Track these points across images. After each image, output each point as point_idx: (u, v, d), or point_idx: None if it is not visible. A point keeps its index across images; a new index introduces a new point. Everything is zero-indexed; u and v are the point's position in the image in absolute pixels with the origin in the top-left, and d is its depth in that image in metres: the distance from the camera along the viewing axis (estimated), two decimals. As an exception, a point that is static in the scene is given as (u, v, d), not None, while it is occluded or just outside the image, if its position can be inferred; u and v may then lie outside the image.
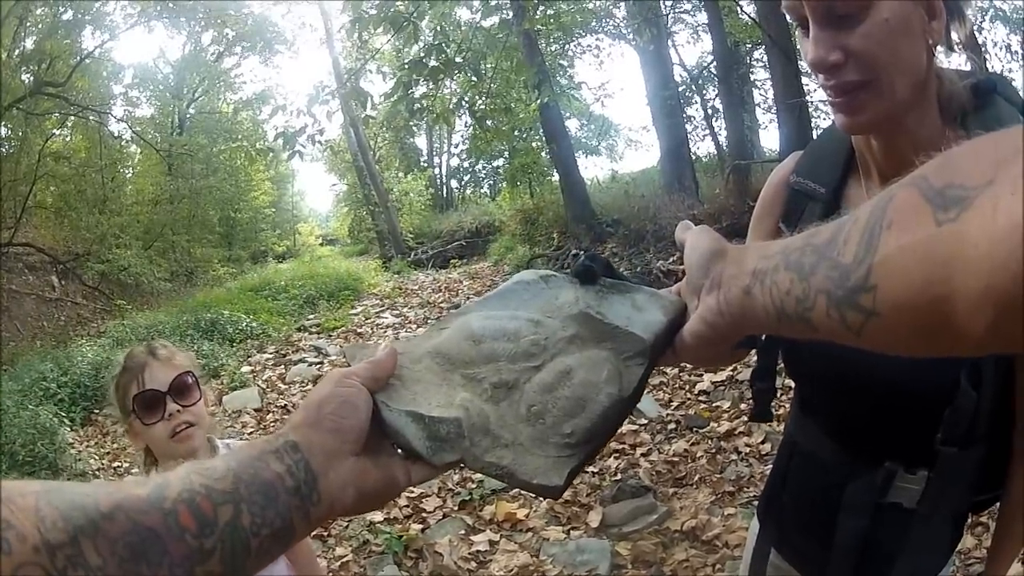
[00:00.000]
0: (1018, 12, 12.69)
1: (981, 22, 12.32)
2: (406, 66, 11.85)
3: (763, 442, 5.53)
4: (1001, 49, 13.50)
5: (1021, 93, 1.36)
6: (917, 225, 0.58)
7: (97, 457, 7.55)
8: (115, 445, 7.92)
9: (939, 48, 1.31)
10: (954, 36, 1.33)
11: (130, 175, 26.49)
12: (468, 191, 38.46)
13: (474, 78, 15.92)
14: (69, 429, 7.93)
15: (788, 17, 1.32)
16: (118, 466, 7.33)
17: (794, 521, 1.70)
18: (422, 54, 11.70)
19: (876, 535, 1.46)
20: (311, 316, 14.55)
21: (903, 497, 1.44)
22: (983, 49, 10.56)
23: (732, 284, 0.85)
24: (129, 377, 2.15)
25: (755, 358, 1.55)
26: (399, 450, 0.96)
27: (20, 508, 0.64)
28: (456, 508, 5.36)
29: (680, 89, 19.64)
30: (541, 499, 5.15)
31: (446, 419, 0.95)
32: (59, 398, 8.69)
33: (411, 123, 22.80)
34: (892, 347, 0.64)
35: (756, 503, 4.46)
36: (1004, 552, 1.38)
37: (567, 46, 24.12)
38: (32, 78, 18.56)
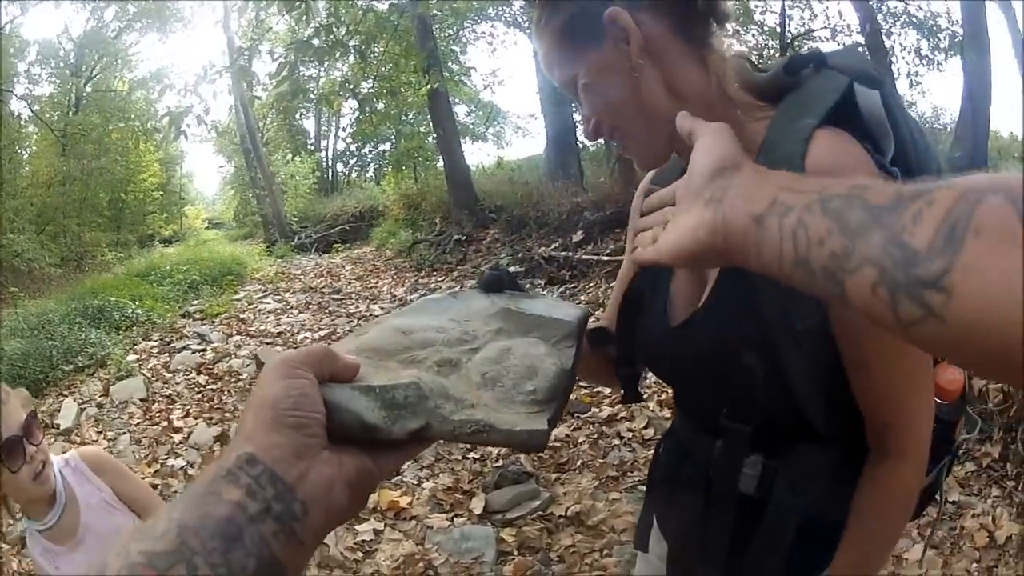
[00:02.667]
0: (930, 17, 13.22)
1: (891, 27, 12.79)
2: (291, 46, 11.67)
3: (646, 427, 5.60)
4: (909, 52, 14.05)
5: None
6: (1012, 250, 0.53)
7: None
8: None
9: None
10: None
11: (26, 156, 25.68)
12: (354, 175, 38.14)
13: (358, 60, 15.74)
14: None
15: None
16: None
17: (661, 492, 1.74)
18: (311, 34, 11.53)
19: (710, 512, 1.47)
20: (195, 302, 14.30)
21: (742, 481, 1.42)
22: (890, 52, 10.91)
23: (739, 206, 0.81)
24: None
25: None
26: (353, 436, 0.81)
27: None
28: None
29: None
30: (424, 487, 5.17)
31: (401, 384, 0.85)
32: None
33: (295, 104, 22.49)
34: (943, 354, 0.62)
35: (640, 487, 4.50)
36: (840, 557, 1.35)
37: (461, 32, 24.09)
38: None
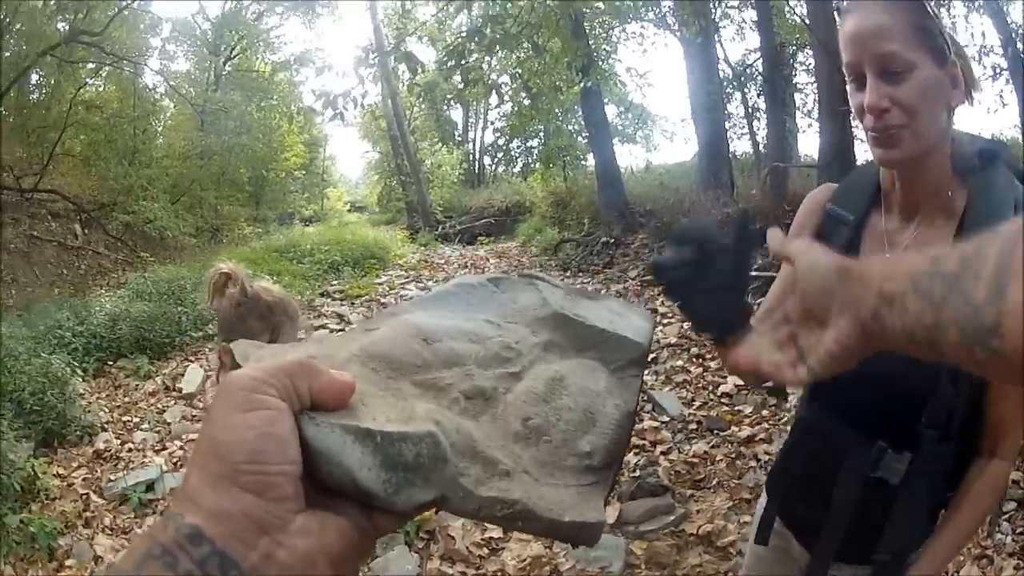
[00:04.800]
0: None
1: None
2: (462, 34, 11.76)
3: (784, 450, 5.49)
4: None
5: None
6: None
7: (107, 410, 7.56)
8: (126, 399, 7.97)
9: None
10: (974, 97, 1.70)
11: (161, 128, 26.29)
12: (500, 169, 38.27)
13: (531, 53, 15.75)
14: (81, 380, 7.87)
15: (845, 72, 1.68)
16: (127, 420, 7.35)
17: (797, 492, 1.96)
18: (480, 23, 11.60)
19: (865, 506, 1.72)
20: (335, 282, 14.52)
21: (889, 474, 1.68)
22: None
23: (862, 305, 0.82)
24: (265, 325, 2.42)
25: None
26: (334, 488, 0.60)
27: None
28: None
29: (721, 85, 19.50)
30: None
31: (412, 435, 0.63)
32: (73, 347, 8.63)
33: (461, 94, 22.75)
34: (1012, 381, 0.67)
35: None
36: (942, 539, 1.70)
37: (612, 31, 23.94)
38: (68, 26, 18.47)
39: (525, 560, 4.39)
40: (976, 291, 0.65)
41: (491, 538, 4.67)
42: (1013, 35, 11.40)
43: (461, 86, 12.60)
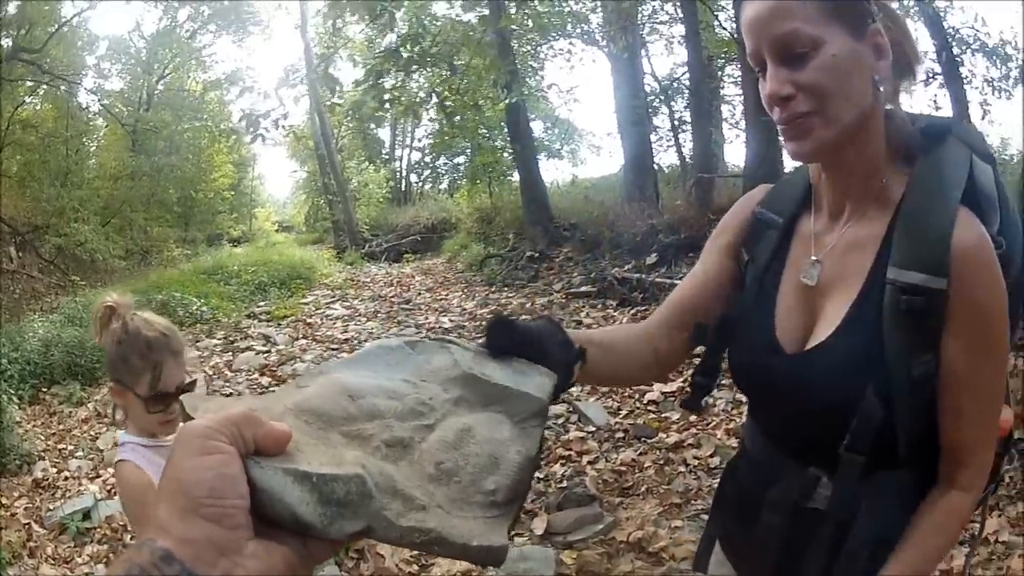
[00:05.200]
0: (1001, 45, 12.94)
1: (961, 54, 12.55)
2: (380, 55, 11.78)
3: (712, 455, 5.51)
4: (981, 81, 13.78)
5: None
6: None
7: (43, 438, 7.40)
8: (60, 426, 7.80)
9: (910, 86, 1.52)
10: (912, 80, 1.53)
11: (94, 148, 26.24)
12: (427, 186, 38.36)
13: (447, 72, 15.83)
14: (17, 407, 7.72)
15: (752, 64, 1.48)
16: (63, 447, 7.20)
17: (733, 514, 1.80)
18: (397, 43, 11.64)
19: (794, 535, 1.53)
20: (262, 303, 14.54)
21: (821, 503, 1.51)
22: (965, 81, 10.87)
23: None
24: (144, 365, 2.32)
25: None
26: (277, 521, 0.69)
27: None
28: None
29: (648, 99, 19.73)
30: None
31: (342, 476, 0.72)
32: (9, 375, 8.42)
33: (378, 113, 22.81)
34: None
35: (704, 516, 4.43)
36: (891, 567, 1.45)
37: (539, 48, 24.11)
38: (11, 43, 18.19)
39: (454, 575, 4.36)
40: None
41: (419, 556, 4.61)
42: (948, 40, 11.64)
43: (378, 105, 12.62)
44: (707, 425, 5.99)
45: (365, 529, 0.73)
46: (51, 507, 5.81)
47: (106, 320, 2.41)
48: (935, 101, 11.83)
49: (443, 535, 0.76)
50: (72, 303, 11.88)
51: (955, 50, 11.79)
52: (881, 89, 1.43)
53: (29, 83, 19.96)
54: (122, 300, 2.47)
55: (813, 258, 1.57)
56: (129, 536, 5.27)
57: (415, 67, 11.58)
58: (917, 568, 1.44)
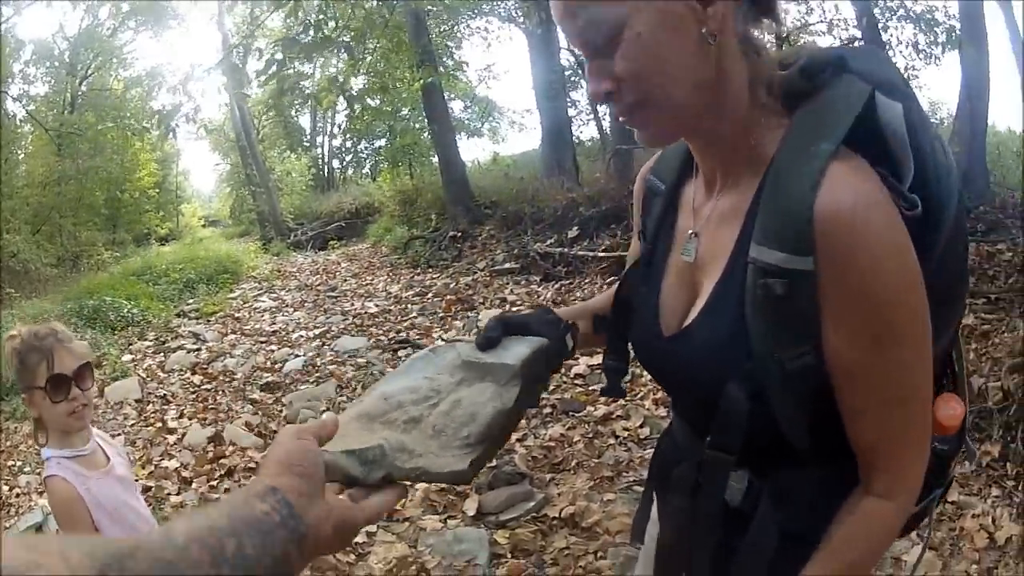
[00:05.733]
0: (928, 11, 13.16)
1: (888, 20, 12.74)
2: (279, 43, 11.64)
3: (641, 426, 5.53)
4: (907, 47, 14.00)
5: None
6: None
7: None
8: (8, 443, 7.64)
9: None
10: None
11: (21, 156, 25.72)
12: (350, 171, 38.18)
13: (346, 57, 15.67)
14: None
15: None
16: (12, 464, 7.06)
17: (658, 488, 1.71)
18: (298, 31, 11.50)
19: (695, 519, 1.41)
20: (191, 301, 14.43)
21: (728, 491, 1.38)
22: (888, 46, 10.85)
23: None
24: (38, 357, 2.41)
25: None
26: (342, 484, 1.18)
27: (44, 553, 0.67)
28: None
29: (567, 73, 19.76)
30: (416, 488, 5.05)
31: (371, 447, 1.19)
32: None
33: (286, 102, 22.42)
34: None
35: (636, 488, 4.44)
36: (813, 563, 1.28)
37: (455, 27, 24.00)
38: None
39: (391, 562, 4.31)
40: None
41: (356, 544, 4.57)
42: (870, 4, 11.69)
43: (281, 94, 12.54)
44: (635, 396, 6.01)
45: (387, 474, 1.18)
46: (6, 525, 5.75)
47: (8, 350, 2.48)
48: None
49: (428, 469, 1.20)
50: (8, 315, 11.76)
51: (878, 16, 11.87)
52: (715, 40, 1.16)
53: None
54: (18, 327, 2.53)
55: (691, 231, 1.41)
56: None
57: (315, 54, 11.39)
58: (837, 573, 1.26)
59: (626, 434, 5.44)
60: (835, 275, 1.11)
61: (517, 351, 1.38)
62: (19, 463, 6.98)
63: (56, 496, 2.41)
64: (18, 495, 6.32)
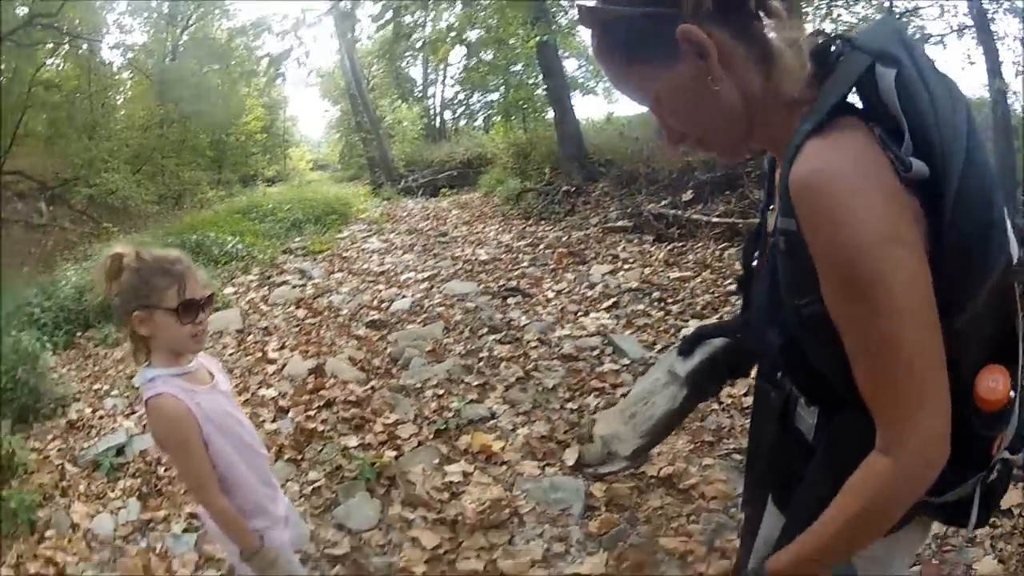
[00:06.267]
0: None
1: (993, 13, 12.24)
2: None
3: (745, 394, 5.43)
4: (1015, 40, 13.45)
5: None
6: None
7: (78, 380, 7.51)
8: (96, 367, 7.93)
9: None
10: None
11: (120, 101, 26.41)
12: (461, 123, 38.26)
13: (462, 7, 15.68)
14: (52, 353, 7.89)
15: None
16: (98, 388, 7.29)
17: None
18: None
19: (779, 447, 1.65)
20: (297, 239, 14.60)
21: (801, 424, 1.57)
22: (995, 37, 10.50)
23: None
24: (168, 281, 2.44)
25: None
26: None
27: None
28: (431, 436, 5.28)
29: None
30: (518, 433, 5.19)
31: (605, 436, 3.15)
32: (42, 323, 8.74)
33: (399, 50, 22.56)
34: None
35: (735, 456, 4.39)
36: (802, 536, 1.41)
37: (571, -13, 23.75)
38: (28, 9, 18.27)
39: (485, 503, 4.33)
40: None
41: (451, 483, 4.63)
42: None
43: (396, 40, 12.64)
44: (742, 365, 5.91)
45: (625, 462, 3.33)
46: (85, 446, 5.90)
47: (115, 268, 2.50)
48: (968, 55, 11.55)
49: (616, 451, 3.36)
50: (107, 249, 11.96)
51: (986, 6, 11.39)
52: (719, 87, 1.35)
53: (49, 45, 20.14)
54: (125, 247, 2.55)
55: (772, 206, 1.64)
56: (163, 469, 5.35)
57: (431, 3, 11.40)
58: (821, 534, 1.37)
59: (730, 401, 5.35)
60: (808, 234, 1.25)
61: (692, 361, 1.84)
62: (106, 387, 7.23)
63: (166, 412, 2.45)
64: (101, 417, 6.50)
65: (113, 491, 5.23)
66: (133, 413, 6.50)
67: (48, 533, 4.73)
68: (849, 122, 1.26)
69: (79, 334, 9.00)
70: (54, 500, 5.11)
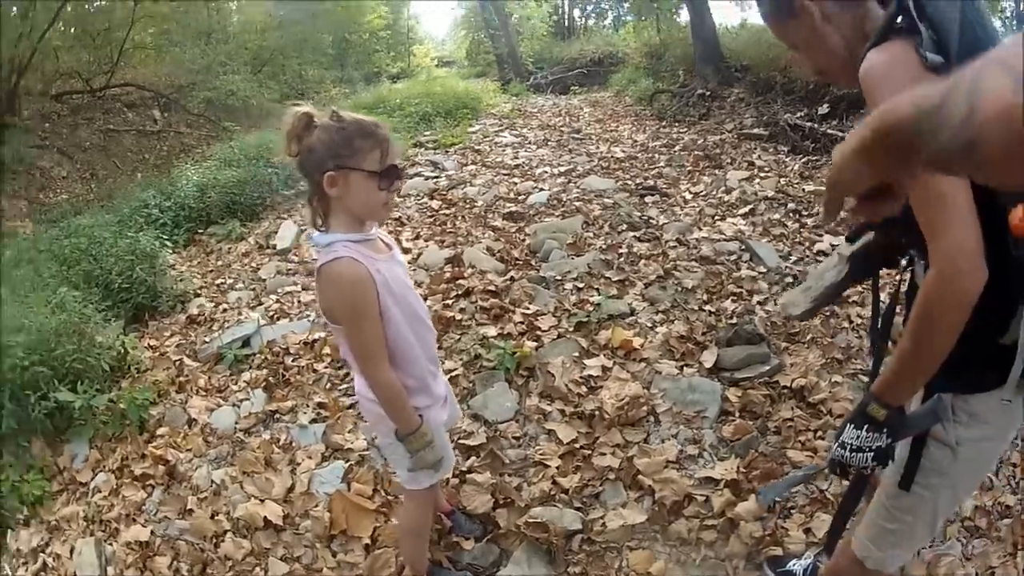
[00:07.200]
0: None
1: None
2: None
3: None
4: None
5: None
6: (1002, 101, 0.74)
7: (200, 276, 7.77)
8: (219, 262, 8.20)
9: None
10: None
11: (235, 6, 26.19)
12: (590, 22, 37.57)
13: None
14: (171, 251, 8.13)
15: None
16: (221, 282, 7.54)
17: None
18: None
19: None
20: (427, 133, 14.51)
21: (918, 280, 1.95)
22: None
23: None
24: (372, 143, 2.39)
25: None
26: None
27: None
28: (572, 329, 5.30)
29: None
30: (657, 331, 5.23)
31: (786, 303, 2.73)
32: (161, 223, 8.94)
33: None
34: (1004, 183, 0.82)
35: (862, 376, 4.38)
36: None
37: None
38: None
39: (623, 399, 4.37)
40: (951, 116, 0.81)
41: (590, 376, 4.68)
42: None
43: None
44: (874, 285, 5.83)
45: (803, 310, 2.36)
46: (207, 340, 6.05)
47: (304, 126, 2.41)
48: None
49: (791, 312, 2.35)
50: (227, 147, 12.21)
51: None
52: (825, 33, 1.92)
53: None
54: (316, 108, 2.47)
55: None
56: (291, 359, 5.48)
57: None
58: (904, 342, 1.73)
59: (859, 320, 5.34)
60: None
61: (855, 246, 2.05)
62: (230, 280, 7.48)
63: (346, 277, 2.38)
64: (225, 311, 6.70)
65: (236, 383, 5.38)
66: (260, 304, 6.68)
67: (160, 431, 4.86)
68: (898, 36, 1.69)
69: (200, 231, 9.22)
70: (169, 396, 5.26)
